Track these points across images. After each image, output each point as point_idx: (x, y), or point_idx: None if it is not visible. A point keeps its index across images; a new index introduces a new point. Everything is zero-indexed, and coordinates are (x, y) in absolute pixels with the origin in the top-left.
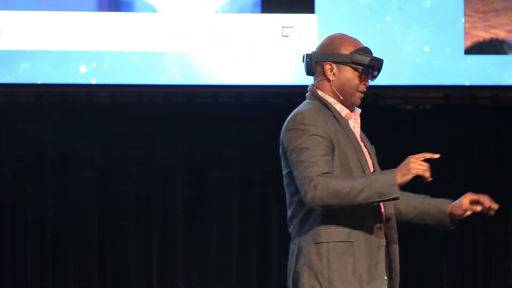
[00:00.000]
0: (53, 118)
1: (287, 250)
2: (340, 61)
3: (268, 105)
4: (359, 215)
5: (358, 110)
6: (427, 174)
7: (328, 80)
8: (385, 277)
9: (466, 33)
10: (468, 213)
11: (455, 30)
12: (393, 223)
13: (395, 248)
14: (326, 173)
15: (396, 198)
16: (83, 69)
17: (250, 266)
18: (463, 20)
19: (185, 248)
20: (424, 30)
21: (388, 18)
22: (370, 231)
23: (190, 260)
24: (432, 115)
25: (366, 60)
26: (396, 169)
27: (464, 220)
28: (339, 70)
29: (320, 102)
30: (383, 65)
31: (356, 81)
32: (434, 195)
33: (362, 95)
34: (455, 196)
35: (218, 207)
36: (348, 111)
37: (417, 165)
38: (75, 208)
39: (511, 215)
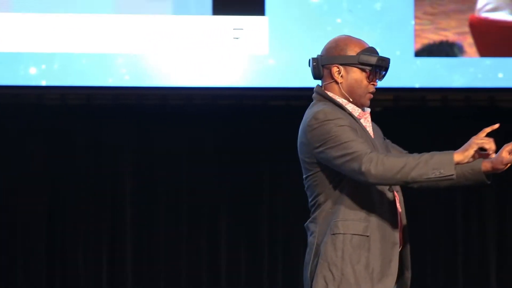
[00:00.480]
0: (2, 119)
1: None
2: (347, 62)
3: (218, 107)
4: (376, 212)
5: (368, 109)
6: (489, 145)
7: (337, 82)
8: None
9: (416, 36)
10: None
11: (405, 33)
12: (404, 219)
13: (406, 243)
14: (373, 151)
15: (451, 176)
16: (33, 71)
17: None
18: (413, 22)
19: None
20: (374, 32)
21: (339, 20)
22: (386, 228)
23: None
24: (382, 117)
25: (373, 60)
26: (455, 151)
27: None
28: (347, 72)
29: (331, 103)
30: None
31: (364, 82)
32: None
33: (372, 95)
34: (405, 199)
35: (167, 212)
36: (360, 110)
37: (478, 139)
38: (21, 207)
39: (457, 216)
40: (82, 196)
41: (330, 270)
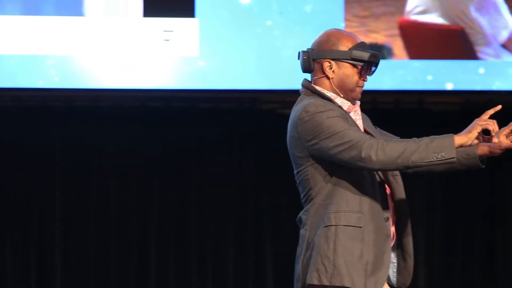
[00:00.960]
0: None
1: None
2: (339, 58)
3: (148, 109)
4: (369, 204)
5: (358, 102)
6: (492, 127)
7: (328, 77)
8: (394, 260)
9: None
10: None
11: None
12: (405, 209)
13: (408, 232)
14: (372, 137)
15: (452, 159)
16: None
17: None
18: (343, 24)
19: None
20: (304, 35)
21: (269, 22)
22: (378, 220)
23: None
24: None
25: (365, 55)
26: (457, 134)
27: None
28: (339, 67)
29: (320, 97)
30: (263, 69)
31: (355, 77)
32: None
33: (362, 89)
34: None
35: (97, 211)
36: (349, 104)
37: (481, 121)
38: None
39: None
40: (10, 199)
41: (323, 263)
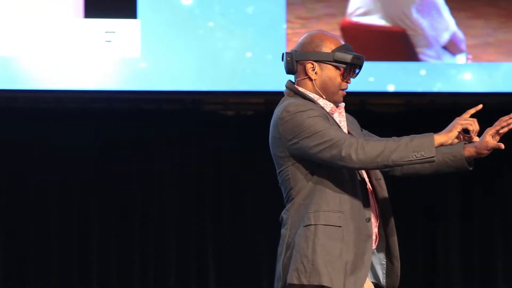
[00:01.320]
0: None
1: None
2: (322, 59)
3: (90, 110)
4: (350, 204)
5: (342, 104)
6: (473, 126)
7: (310, 79)
8: (383, 261)
9: (288, 40)
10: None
11: (277, 36)
12: (389, 210)
13: (393, 234)
14: (352, 136)
15: (431, 158)
16: None
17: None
18: (285, 26)
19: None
20: (246, 36)
21: (211, 24)
22: (359, 220)
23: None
24: (254, 120)
25: (348, 58)
26: (437, 133)
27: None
28: (321, 69)
29: (303, 98)
30: (205, 71)
31: (338, 79)
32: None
33: (345, 93)
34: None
35: (59, 215)
36: (332, 105)
37: (462, 120)
38: None
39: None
40: None
41: (302, 262)
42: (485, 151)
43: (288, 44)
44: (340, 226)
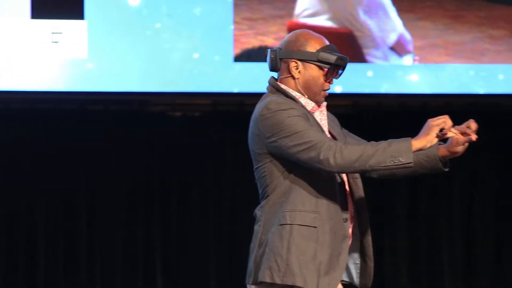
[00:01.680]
0: None
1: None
2: (306, 59)
3: (36, 111)
4: (326, 204)
5: (324, 103)
6: (446, 124)
7: (293, 77)
8: (357, 261)
9: (236, 40)
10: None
11: (224, 37)
12: (365, 210)
13: (368, 234)
14: (331, 139)
15: (409, 164)
16: None
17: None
18: (232, 27)
19: None
20: (194, 37)
21: (158, 25)
22: (336, 221)
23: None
24: (201, 122)
25: (332, 58)
26: (413, 138)
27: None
28: (305, 68)
29: (284, 96)
30: (152, 72)
31: (321, 79)
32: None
33: (327, 93)
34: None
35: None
36: (313, 104)
37: (435, 121)
38: None
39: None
40: None
41: (276, 261)
42: (459, 149)
43: (236, 45)
44: (315, 227)
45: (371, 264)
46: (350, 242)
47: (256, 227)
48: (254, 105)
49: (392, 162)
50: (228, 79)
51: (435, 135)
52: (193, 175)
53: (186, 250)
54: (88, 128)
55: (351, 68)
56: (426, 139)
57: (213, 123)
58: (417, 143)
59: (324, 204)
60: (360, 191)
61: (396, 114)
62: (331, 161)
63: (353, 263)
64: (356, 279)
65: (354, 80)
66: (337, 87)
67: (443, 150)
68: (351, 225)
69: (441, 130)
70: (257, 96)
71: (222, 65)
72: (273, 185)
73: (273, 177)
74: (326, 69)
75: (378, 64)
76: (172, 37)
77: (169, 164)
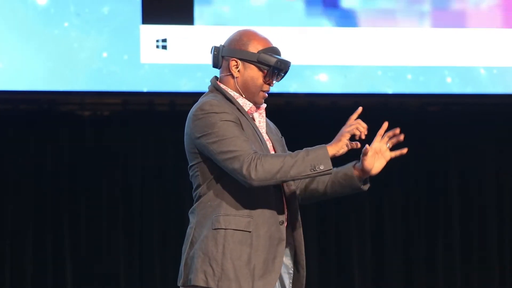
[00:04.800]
0: None
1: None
2: (246, 59)
3: None
4: (261, 207)
5: (264, 105)
6: (359, 129)
7: (233, 76)
8: (291, 270)
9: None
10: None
11: (133, 37)
12: (298, 217)
13: (301, 242)
14: (255, 152)
15: (329, 171)
16: None
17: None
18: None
19: None
20: (102, 37)
21: (66, 24)
22: (271, 224)
23: None
24: (110, 121)
25: (272, 61)
26: (328, 144)
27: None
28: (245, 68)
29: (222, 96)
30: (61, 71)
31: (260, 80)
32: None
33: (266, 95)
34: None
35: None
36: (251, 105)
37: (347, 127)
38: None
39: None
40: None
41: (211, 265)
42: (370, 166)
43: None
44: (249, 231)
45: (303, 273)
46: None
47: (188, 230)
48: (163, 105)
49: (312, 171)
50: (137, 79)
51: (346, 141)
52: (104, 173)
53: (95, 248)
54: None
55: None
56: (337, 145)
57: (122, 122)
58: (331, 149)
59: (259, 208)
60: (293, 196)
61: (305, 113)
62: (253, 175)
63: (287, 273)
64: (288, 287)
65: None
66: None
67: (357, 170)
68: (285, 229)
69: (354, 135)
70: (167, 95)
71: (131, 64)
72: (206, 186)
73: (205, 177)
74: (265, 71)
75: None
76: (80, 36)
77: (76, 163)
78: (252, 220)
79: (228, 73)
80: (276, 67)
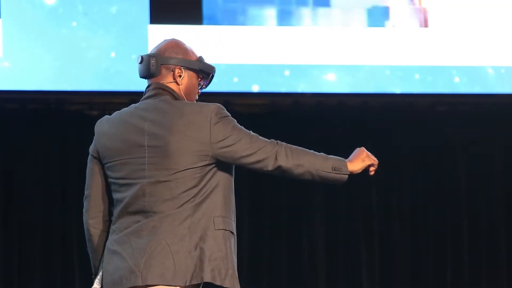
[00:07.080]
0: None
1: None
2: (191, 67)
3: None
4: (234, 211)
5: None
6: (375, 166)
7: (177, 83)
8: None
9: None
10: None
11: (141, 36)
12: None
13: None
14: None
15: (344, 177)
16: None
17: None
18: (148, 25)
19: None
20: (110, 36)
21: (74, 24)
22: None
23: None
24: None
25: (211, 68)
26: (347, 160)
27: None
28: (188, 76)
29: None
30: (69, 70)
31: (197, 87)
32: None
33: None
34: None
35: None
36: None
37: (373, 157)
38: None
39: None
40: None
41: (221, 264)
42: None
43: (153, 44)
44: (234, 233)
45: None
46: None
47: (180, 229)
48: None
49: (334, 170)
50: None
51: (366, 166)
52: None
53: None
54: (5, 126)
55: (268, 67)
56: (360, 166)
57: None
58: (351, 165)
59: (234, 211)
60: None
61: (313, 113)
62: (283, 160)
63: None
64: None
65: (271, 79)
66: (254, 86)
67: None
68: None
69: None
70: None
71: None
72: (204, 188)
73: (205, 179)
74: (201, 78)
75: (295, 64)
76: (88, 36)
77: (83, 164)
78: (233, 222)
79: (172, 81)
80: (213, 75)
